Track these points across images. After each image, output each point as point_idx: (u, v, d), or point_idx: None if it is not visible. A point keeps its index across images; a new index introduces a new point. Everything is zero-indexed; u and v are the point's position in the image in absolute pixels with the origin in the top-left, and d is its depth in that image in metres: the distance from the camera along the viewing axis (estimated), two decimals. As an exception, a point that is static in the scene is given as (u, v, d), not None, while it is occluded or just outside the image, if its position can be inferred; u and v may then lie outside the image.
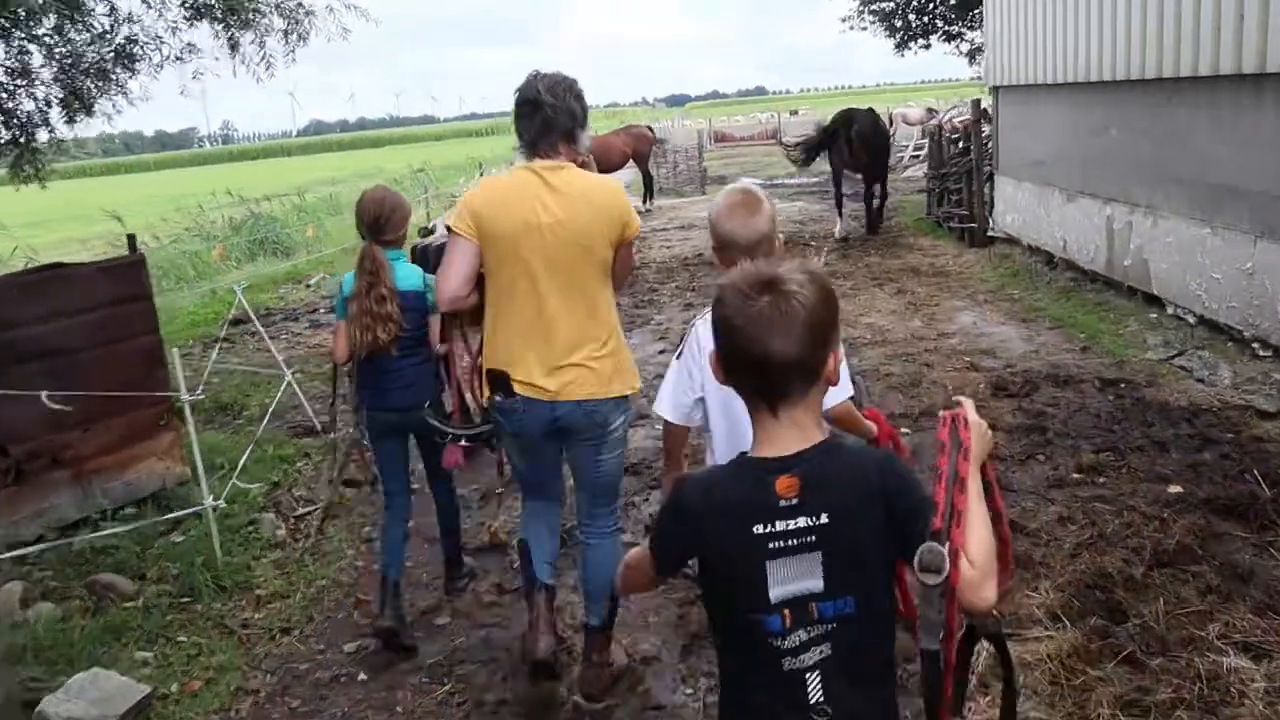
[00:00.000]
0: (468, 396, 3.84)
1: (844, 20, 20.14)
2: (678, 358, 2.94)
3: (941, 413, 1.94)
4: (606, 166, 22.81)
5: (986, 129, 13.21)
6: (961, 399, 2.00)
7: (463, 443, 3.85)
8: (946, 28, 19.14)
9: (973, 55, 20.70)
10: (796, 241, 15.34)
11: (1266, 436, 6.11)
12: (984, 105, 13.37)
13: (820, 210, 20.07)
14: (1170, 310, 8.53)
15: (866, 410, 3.02)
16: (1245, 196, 7.36)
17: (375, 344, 4.08)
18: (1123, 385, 7.20)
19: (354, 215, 4.32)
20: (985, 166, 13.08)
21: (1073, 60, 9.97)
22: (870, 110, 14.63)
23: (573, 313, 3.33)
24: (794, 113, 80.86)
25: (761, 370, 1.81)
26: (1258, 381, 6.89)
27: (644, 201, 23.33)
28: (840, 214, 14.61)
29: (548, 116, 3.32)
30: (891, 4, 18.96)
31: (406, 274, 4.22)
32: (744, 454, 1.88)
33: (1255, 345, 7.31)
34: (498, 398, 3.40)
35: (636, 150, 22.63)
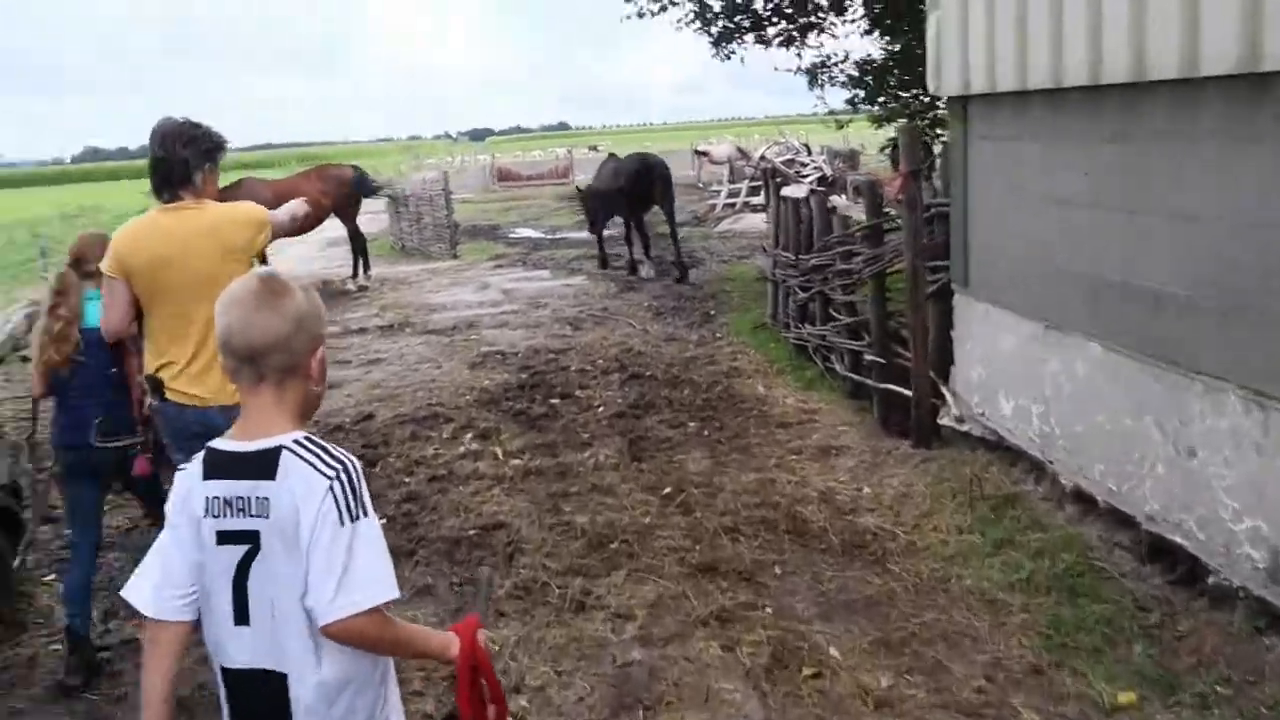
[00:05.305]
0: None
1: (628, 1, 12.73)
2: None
3: None
4: (299, 224, 14.77)
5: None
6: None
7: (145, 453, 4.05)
8: (788, 24, 12.01)
9: (814, 74, 13.68)
10: (546, 386, 7.76)
11: None
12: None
13: (610, 294, 12.60)
14: None
15: (464, 620, 2.19)
16: None
17: (51, 361, 4.06)
18: None
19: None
20: (931, 275, 5.86)
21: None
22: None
23: (211, 326, 3.26)
24: (593, 148, 74.04)
25: None
26: None
27: (353, 275, 15.34)
28: (647, 256, 14.05)
29: (162, 168, 3.66)
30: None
31: (92, 311, 4.09)
32: None
33: None
34: (154, 402, 3.68)
35: (337, 199, 14.60)
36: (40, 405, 4.42)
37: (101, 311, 3.82)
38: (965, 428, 5.56)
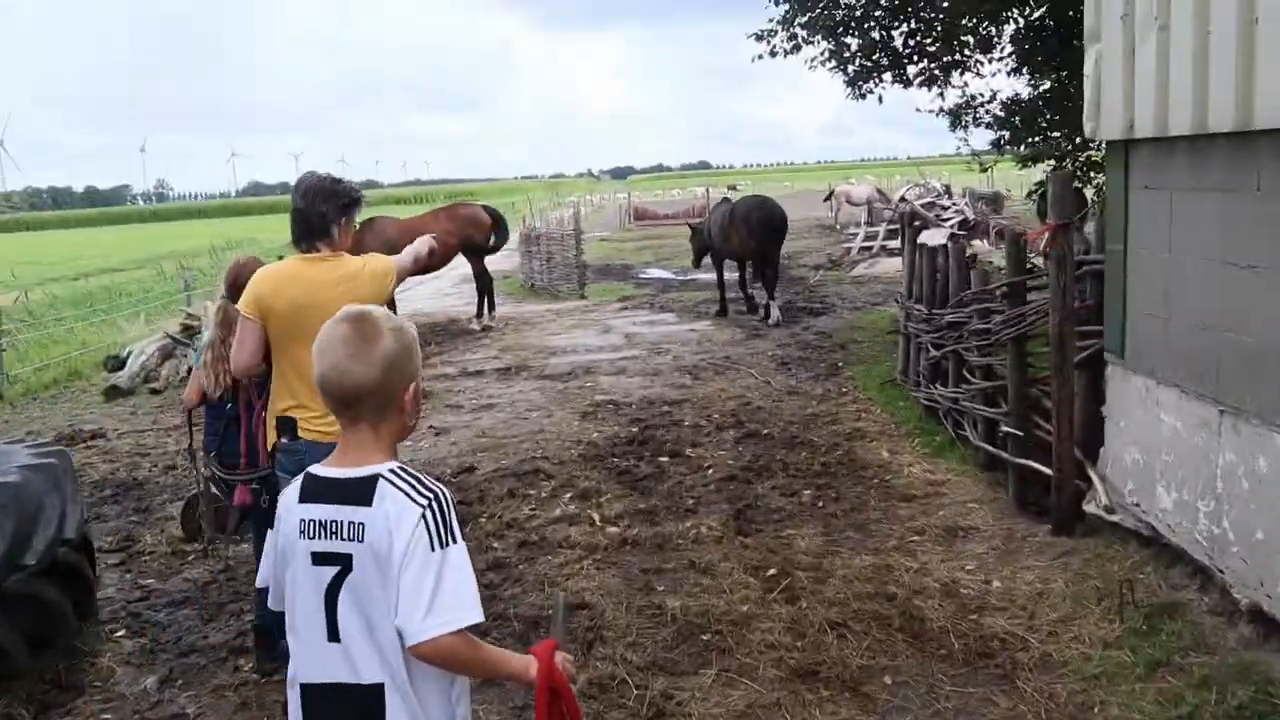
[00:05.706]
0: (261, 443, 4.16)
1: (759, 39, 12.13)
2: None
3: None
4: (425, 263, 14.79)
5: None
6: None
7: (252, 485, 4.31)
8: (930, 63, 11.32)
9: (957, 116, 12.91)
10: (656, 442, 7.27)
11: None
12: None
13: (735, 340, 12.08)
14: None
15: (541, 643, 2.17)
16: None
17: (224, 385, 4.34)
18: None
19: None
20: (1080, 340, 5.16)
21: None
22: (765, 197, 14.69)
23: None
24: (732, 188, 74.11)
25: None
26: None
27: (478, 315, 15.27)
28: (772, 298, 13.46)
29: (302, 220, 3.81)
30: (841, 12, 10.88)
31: None
32: None
33: None
34: (284, 440, 3.74)
35: (465, 238, 14.56)
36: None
37: (233, 349, 3.93)
38: (1115, 518, 4.82)
